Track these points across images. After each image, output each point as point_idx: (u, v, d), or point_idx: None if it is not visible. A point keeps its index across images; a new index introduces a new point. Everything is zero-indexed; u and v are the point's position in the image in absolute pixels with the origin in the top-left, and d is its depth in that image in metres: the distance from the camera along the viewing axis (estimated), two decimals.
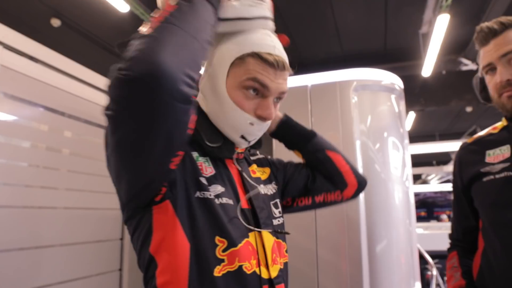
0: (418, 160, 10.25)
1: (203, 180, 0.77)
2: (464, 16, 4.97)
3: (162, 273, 0.72)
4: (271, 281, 0.78)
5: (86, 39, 5.57)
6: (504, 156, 1.05)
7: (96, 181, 1.41)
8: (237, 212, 0.78)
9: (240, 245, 0.75)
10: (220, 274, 0.72)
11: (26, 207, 1.16)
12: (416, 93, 6.64)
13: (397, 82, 1.75)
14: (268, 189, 0.92)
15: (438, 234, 4.29)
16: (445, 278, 1.28)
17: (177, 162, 0.69)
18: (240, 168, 0.87)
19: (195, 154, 0.80)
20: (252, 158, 1.00)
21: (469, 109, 7.97)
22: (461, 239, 1.22)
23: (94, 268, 1.39)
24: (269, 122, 0.84)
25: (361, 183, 1.09)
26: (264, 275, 0.78)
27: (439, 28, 4.57)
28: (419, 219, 6.15)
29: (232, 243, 0.74)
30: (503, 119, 1.13)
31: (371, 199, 1.54)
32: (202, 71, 0.88)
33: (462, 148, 1.22)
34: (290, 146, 1.06)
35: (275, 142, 1.71)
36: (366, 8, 5.05)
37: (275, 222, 0.88)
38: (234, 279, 0.73)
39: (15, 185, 1.14)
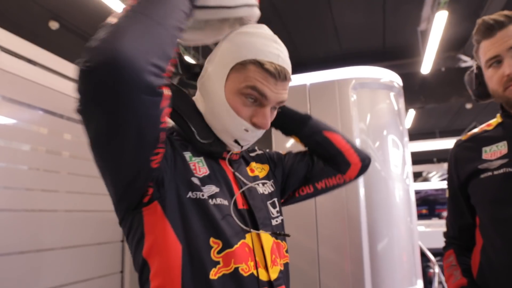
0: (419, 158, 10.25)
1: (196, 181, 0.75)
2: (462, 13, 4.97)
3: (155, 277, 0.70)
4: (270, 283, 0.76)
5: (84, 42, 5.49)
6: (501, 153, 1.05)
7: (97, 183, 1.40)
8: (231, 211, 0.76)
9: (235, 246, 0.73)
10: (216, 277, 0.70)
11: (27, 211, 1.16)
12: (415, 90, 6.64)
13: (396, 79, 1.75)
14: (265, 188, 0.90)
15: (440, 231, 4.24)
16: None
17: (158, 160, 0.67)
18: (233, 170, 0.85)
19: (188, 155, 0.78)
20: (251, 154, 0.98)
21: (469, 105, 7.97)
22: (457, 237, 1.21)
23: (95, 271, 1.39)
24: (264, 130, 0.82)
25: (364, 161, 1.05)
26: (263, 277, 0.76)
27: (438, 25, 4.57)
28: (421, 217, 6.13)
29: (227, 244, 0.72)
30: (498, 115, 1.13)
31: (372, 197, 1.54)
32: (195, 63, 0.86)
33: (457, 145, 1.22)
34: (286, 132, 1.03)
35: (274, 137, 1.71)
36: (364, 7, 5.06)
37: (274, 222, 0.85)
38: (231, 282, 0.71)
39: (16, 188, 1.14)
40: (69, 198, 1.31)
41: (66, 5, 4.84)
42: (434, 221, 6.05)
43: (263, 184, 0.91)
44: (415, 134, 10.11)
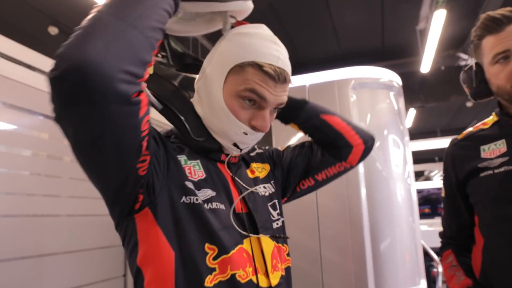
0: (420, 157, 10.23)
1: (190, 185, 0.72)
2: (461, 11, 4.97)
3: (149, 286, 0.68)
4: None
5: None
6: (500, 151, 1.04)
7: None
8: (230, 217, 0.73)
9: (232, 252, 0.71)
10: (211, 284, 0.67)
11: (28, 216, 1.16)
12: (415, 89, 6.63)
13: (396, 79, 1.75)
14: (266, 190, 0.88)
15: None
16: None
17: (146, 167, 0.64)
18: (231, 174, 0.82)
19: (183, 158, 0.76)
20: (251, 154, 0.96)
21: (469, 104, 7.95)
22: (455, 237, 1.19)
23: (98, 275, 1.39)
24: (263, 133, 0.80)
25: (367, 141, 1.00)
26: (263, 283, 0.73)
27: (436, 24, 4.56)
28: (424, 216, 6.11)
29: (223, 250, 0.70)
30: (493, 114, 1.12)
31: (373, 197, 1.54)
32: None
33: (453, 144, 1.20)
34: (284, 119, 0.99)
35: (275, 137, 1.71)
36: (363, 6, 5.06)
37: (274, 225, 0.83)
38: None
39: (17, 194, 1.14)
40: (71, 202, 1.31)
41: (65, 11, 4.85)
42: (437, 220, 6.03)
43: (264, 186, 0.89)
44: (416, 133, 10.10)
